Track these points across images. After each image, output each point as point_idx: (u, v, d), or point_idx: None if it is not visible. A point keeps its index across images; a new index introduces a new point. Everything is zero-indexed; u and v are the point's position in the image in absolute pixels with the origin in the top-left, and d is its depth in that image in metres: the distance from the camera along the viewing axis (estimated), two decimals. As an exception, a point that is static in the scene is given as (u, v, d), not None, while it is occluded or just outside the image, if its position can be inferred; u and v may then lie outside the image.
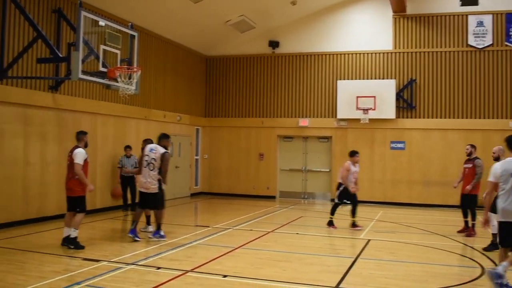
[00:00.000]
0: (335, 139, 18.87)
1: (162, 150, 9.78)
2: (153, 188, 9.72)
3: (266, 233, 11.29)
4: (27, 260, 8.12)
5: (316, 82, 19.25)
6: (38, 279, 6.84)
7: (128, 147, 14.36)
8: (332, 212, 12.28)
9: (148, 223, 11.04)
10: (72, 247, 8.95)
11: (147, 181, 9.74)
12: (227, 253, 8.95)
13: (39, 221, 11.93)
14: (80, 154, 9.06)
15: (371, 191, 18.05)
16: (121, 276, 7.24)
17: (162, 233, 9.91)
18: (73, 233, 9.03)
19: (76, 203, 9.12)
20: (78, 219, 9.11)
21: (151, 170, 9.71)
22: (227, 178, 20.07)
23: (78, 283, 6.68)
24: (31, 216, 11.80)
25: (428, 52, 17.96)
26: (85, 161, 9.16)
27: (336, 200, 12.20)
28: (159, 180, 9.74)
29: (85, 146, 9.40)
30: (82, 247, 8.99)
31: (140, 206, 10.13)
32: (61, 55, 10.95)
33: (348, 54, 18.84)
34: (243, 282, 7.03)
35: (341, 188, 12.12)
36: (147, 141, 11.31)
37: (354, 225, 12.12)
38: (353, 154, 12.29)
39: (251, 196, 19.43)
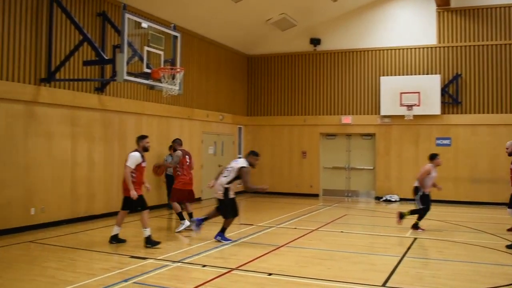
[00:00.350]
0: (378, 136, 18.64)
1: (242, 164, 9.77)
2: (219, 194, 9.77)
3: (310, 231, 11.25)
4: (77, 257, 8.32)
5: (358, 79, 19.05)
6: (88, 276, 7.00)
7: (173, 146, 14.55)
8: (420, 218, 11.46)
9: (190, 216, 11.18)
10: (148, 246, 9.09)
11: (217, 187, 9.83)
12: (272, 251, 8.96)
13: (87, 219, 12.23)
14: (132, 158, 9.22)
15: (416, 188, 17.73)
16: (168, 273, 7.35)
17: (224, 236, 9.84)
18: (145, 232, 9.16)
19: (135, 203, 9.21)
20: (144, 218, 9.22)
21: (224, 177, 9.79)
22: (270, 177, 20.07)
23: (125, 280, 6.80)
24: (79, 215, 12.12)
25: (474, 45, 17.50)
26: (139, 165, 9.26)
27: (420, 206, 11.34)
28: (226, 188, 9.74)
29: (144, 150, 9.52)
30: (158, 243, 9.19)
31: (216, 209, 10.12)
32: (106, 58, 11.15)
33: (391, 50, 18.56)
34: (288, 280, 7.02)
35: (420, 193, 11.36)
36: (176, 141, 11.54)
37: (416, 226, 11.44)
38: (434, 156, 11.58)
39: (294, 194, 19.40)
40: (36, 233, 10.45)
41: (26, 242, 9.58)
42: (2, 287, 6.62)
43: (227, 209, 9.83)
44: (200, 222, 10.10)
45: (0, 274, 7.19)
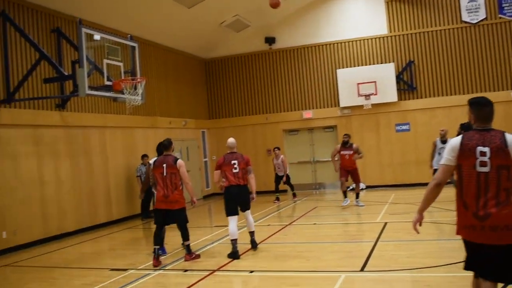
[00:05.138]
0: (340, 127, 19.00)
1: None
2: None
3: (284, 227, 11.46)
4: (56, 276, 8.30)
5: (316, 73, 19.38)
6: (71, 293, 7.02)
7: (145, 156, 14.43)
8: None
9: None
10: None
11: None
12: (250, 249, 9.07)
13: (59, 238, 12.10)
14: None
15: (382, 175, 18.23)
16: (151, 281, 7.42)
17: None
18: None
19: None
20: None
21: None
22: (238, 177, 20.13)
23: (110, 293, 6.85)
24: (51, 234, 11.98)
25: (424, 32, 18.06)
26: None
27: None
28: None
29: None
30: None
31: None
32: (66, 73, 11.09)
33: (345, 42, 18.96)
34: (270, 275, 7.20)
35: None
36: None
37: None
38: None
39: (263, 192, 19.54)
40: (11, 257, 10.30)
41: (2, 267, 9.45)
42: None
43: None
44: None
45: (-19, 300, 7.15)
